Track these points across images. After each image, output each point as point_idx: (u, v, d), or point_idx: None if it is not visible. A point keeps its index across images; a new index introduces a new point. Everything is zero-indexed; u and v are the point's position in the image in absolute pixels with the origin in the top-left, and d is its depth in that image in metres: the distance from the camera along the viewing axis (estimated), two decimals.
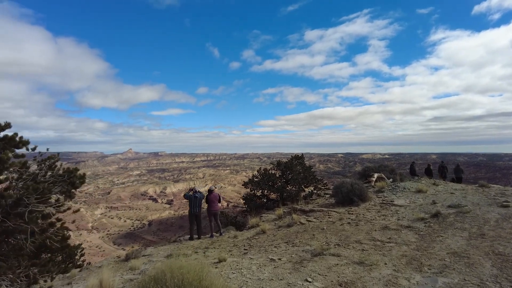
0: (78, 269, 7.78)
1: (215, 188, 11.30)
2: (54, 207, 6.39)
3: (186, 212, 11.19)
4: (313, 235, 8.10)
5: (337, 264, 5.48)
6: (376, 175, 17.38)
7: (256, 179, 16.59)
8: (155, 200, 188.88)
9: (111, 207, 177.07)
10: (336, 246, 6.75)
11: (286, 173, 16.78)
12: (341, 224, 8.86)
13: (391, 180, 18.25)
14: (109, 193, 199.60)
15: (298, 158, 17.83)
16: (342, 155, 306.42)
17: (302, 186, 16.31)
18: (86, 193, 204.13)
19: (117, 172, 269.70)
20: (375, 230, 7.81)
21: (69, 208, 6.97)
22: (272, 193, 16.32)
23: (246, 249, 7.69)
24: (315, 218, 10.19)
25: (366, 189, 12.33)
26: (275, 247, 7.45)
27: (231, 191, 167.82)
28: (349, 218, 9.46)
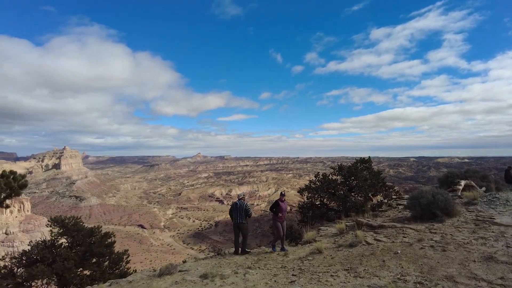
0: (108, 283, 7.06)
1: (283, 193, 9.33)
2: None
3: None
4: (383, 261, 6.23)
5: None
6: (463, 182, 14.38)
7: (313, 186, 14.75)
8: (221, 201, 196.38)
9: (181, 207, 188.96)
10: (418, 284, 4.84)
11: (349, 179, 14.64)
12: (421, 248, 6.79)
13: (483, 189, 15.04)
14: (179, 194, 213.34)
15: (364, 162, 15.51)
16: (414, 159, 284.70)
17: (369, 194, 14.03)
18: (159, 194, 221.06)
19: (187, 174, 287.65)
20: (474, 261, 5.66)
21: None
22: (332, 202, 14.32)
23: (294, 275, 6.16)
24: (385, 236, 8.18)
25: (452, 201, 9.85)
26: (331, 275, 5.80)
27: (294, 195, 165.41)
28: (431, 239, 7.31)
